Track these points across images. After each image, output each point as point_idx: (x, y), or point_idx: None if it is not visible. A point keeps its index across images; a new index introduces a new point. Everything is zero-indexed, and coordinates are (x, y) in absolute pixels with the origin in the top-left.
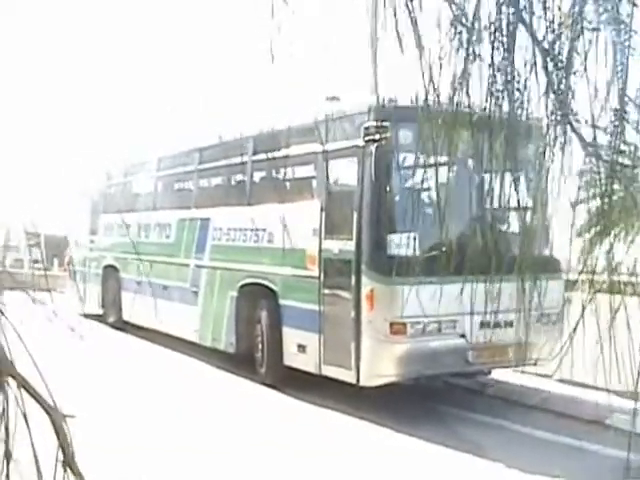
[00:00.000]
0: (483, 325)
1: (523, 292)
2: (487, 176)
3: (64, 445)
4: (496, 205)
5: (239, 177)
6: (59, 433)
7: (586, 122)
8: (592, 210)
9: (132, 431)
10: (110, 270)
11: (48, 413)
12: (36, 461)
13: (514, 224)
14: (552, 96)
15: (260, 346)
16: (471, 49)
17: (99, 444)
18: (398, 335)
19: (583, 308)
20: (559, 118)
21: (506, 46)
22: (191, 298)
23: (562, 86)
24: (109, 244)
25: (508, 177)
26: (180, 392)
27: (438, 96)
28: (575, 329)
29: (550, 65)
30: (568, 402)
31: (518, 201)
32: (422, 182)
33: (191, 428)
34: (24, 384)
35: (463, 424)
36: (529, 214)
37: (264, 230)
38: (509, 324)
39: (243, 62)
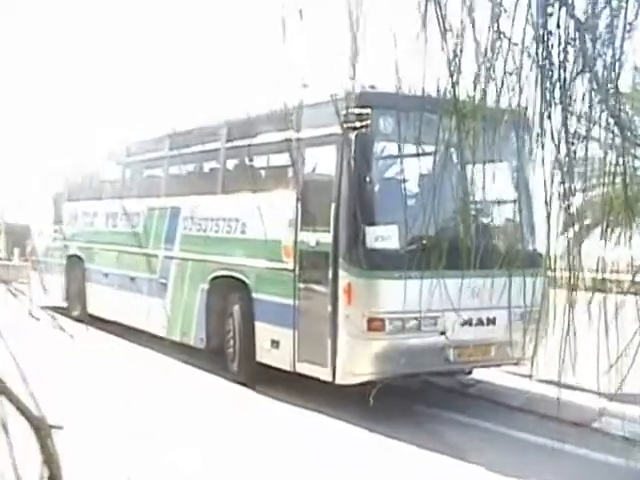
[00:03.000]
0: (465, 322)
1: (506, 288)
2: (478, 168)
3: (50, 460)
4: (482, 198)
5: (212, 165)
6: (44, 446)
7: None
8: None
9: (94, 430)
10: (74, 260)
11: (32, 424)
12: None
13: (499, 217)
14: (588, 76)
15: (231, 342)
16: (496, 26)
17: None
18: (376, 331)
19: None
20: (596, 102)
21: (539, 22)
22: (160, 290)
23: (600, 65)
24: (73, 233)
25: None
26: (146, 390)
27: (454, 84)
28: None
29: (588, 41)
30: (553, 404)
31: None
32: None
33: (158, 427)
34: (4, 390)
35: (443, 425)
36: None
37: (237, 220)
38: (491, 321)
39: (218, 46)
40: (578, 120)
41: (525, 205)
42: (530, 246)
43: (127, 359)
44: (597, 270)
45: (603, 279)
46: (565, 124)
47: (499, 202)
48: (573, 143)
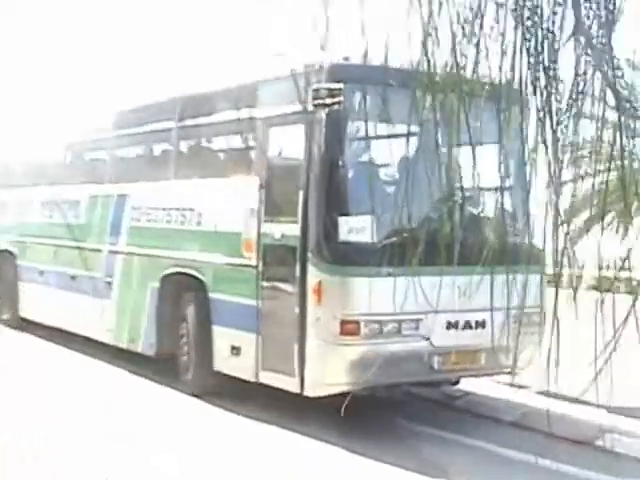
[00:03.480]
0: (451, 325)
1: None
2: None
3: None
4: (472, 184)
5: (163, 147)
6: None
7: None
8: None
9: (26, 453)
10: (5, 256)
11: None
12: None
13: (490, 206)
14: (582, 39)
15: (186, 348)
16: None
17: None
18: (350, 336)
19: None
20: (589, 67)
21: None
22: (104, 290)
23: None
24: (4, 225)
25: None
26: (88, 406)
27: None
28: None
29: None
30: (551, 419)
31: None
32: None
33: (102, 451)
34: None
35: (426, 442)
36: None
37: (192, 210)
38: (481, 325)
39: (172, 16)
40: (571, 97)
41: (519, 193)
42: (526, 240)
43: (64, 368)
44: (600, 267)
45: (600, 277)
46: (549, 94)
47: (490, 189)
48: (558, 114)
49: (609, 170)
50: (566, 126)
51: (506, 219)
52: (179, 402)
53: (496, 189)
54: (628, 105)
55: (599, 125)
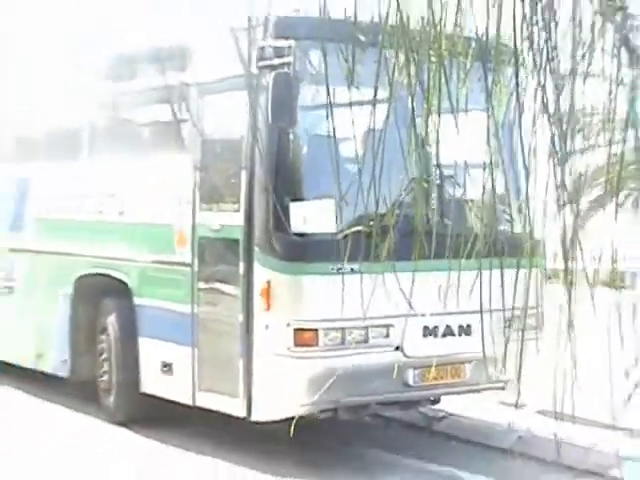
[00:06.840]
0: (428, 332)
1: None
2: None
3: None
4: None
5: (74, 118)
6: None
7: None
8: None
9: None
10: None
11: None
12: None
13: (474, 187)
14: None
15: (107, 366)
16: None
17: None
18: (306, 347)
19: None
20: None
21: None
22: (3, 297)
23: None
24: None
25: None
26: None
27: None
28: None
29: None
30: (554, 444)
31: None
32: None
33: None
34: None
35: (400, 475)
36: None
37: (112, 196)
38: (466, 331)
39: None
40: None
41: (512, 170)
42: (521, 226)
43: None
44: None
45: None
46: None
47: (476, 166)
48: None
49: (625, 141)
50: (570, 88)
51: (495, 201)
52: (99, 432)
53: (483, 165)
54: None
55: (611, 86)
